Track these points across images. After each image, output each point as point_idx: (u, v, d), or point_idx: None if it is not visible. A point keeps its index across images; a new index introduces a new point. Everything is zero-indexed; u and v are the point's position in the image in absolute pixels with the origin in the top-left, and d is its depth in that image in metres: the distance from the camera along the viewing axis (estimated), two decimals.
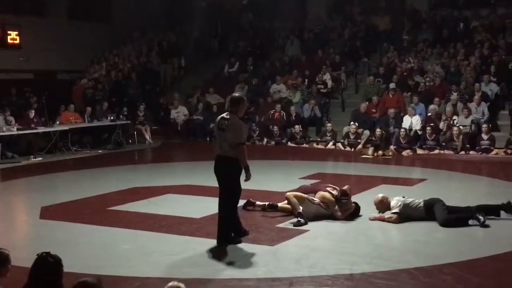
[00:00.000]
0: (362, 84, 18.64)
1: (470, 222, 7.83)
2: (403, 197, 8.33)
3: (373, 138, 15.33)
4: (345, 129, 16.10)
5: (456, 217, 7.88)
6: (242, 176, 7.09)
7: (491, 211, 8.04)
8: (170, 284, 3.46)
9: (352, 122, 15.83)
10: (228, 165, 7.03)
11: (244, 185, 7.21)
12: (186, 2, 22.49)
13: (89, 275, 4.95)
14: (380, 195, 8.49)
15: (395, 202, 8.17)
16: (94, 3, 22.24)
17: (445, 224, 7.77)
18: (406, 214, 8.09)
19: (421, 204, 8.13)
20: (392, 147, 15.15)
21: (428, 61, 18.03)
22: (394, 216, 8.09)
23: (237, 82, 19.37)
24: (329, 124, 16.32)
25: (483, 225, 7.69)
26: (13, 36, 19.16)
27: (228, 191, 7.11)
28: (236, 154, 6.99)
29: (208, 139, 17.02)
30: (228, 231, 7.18)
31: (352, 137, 15.66)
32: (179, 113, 18.68)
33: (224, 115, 7.25)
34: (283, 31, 21.72)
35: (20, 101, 18.26)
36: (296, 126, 16.57)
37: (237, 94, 8.04)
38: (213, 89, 19.31)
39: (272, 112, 17.62)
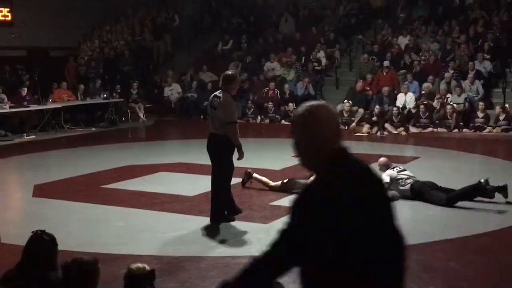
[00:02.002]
0: (356, 62, 18.57)
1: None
2: (397, 171, 8.34)
3: (368, 116, 15.36)
4: (339, 107, 16.06)
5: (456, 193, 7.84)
6: (235, 155, 7.10)
7: (476, 192, 7.73)
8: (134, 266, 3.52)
9: (346, 100, 15.82)
10: (220, 143, 6.99)
11: (238, 163, 7.21)
12: None
13: (83, 254, 4.97)
14: (384, 159, 8.65)
15: (386, 175, 8.16)
16: None
17: (450, 202, 7.71)
18: (403, 193, 8.10)
19: (408, 186, 8.08)
20: (387, 125, 15.18)
21: (422, 39, 17.95)
22: None
23: (231, 60, 19.26)
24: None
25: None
26: (4, 13, 18.94)
27: (221, 169, 7.07)
28: (227, 132, 6.96)
29: (202, 117, 16.96)
30: (222, 209, 7.20)
31: (346, 115, 15.65)
32: (173, 91, 18.60)
33: (217, 93, 7.22)
34: (277, 8, 21.54)
35: (12, 78, 18.13)
36: (290, 104, 16.53)
37: (230, 72, 7.95)
38: (206, 67, 19.21)
39: (266, 90, 17.57)
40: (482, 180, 7.64)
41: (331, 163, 2.24)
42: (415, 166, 10.63)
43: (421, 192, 7.96)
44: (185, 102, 18.34)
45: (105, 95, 17.56)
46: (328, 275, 2.10)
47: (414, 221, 7.22)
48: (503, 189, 7.72)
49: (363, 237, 2.12)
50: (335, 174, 2.21)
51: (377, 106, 15.28)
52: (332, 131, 2.31)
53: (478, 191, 7.68)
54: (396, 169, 8.41)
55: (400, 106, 15.46)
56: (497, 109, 14.60)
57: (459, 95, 15.23)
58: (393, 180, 8.17)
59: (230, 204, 7.36)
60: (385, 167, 8.46)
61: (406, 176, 8.25)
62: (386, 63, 16.91)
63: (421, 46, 17.46)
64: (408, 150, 13.11)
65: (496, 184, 7.70)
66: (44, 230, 3.72)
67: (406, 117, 15.34)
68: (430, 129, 14.87)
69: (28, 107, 15.64)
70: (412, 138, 14.38)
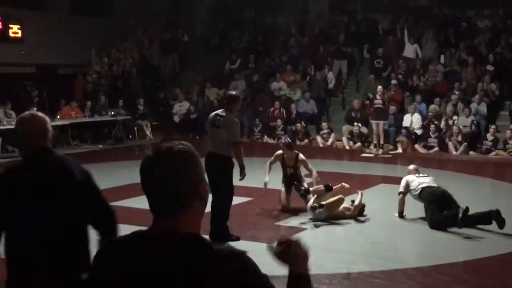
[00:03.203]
0: (363, 82, 18.63)
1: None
2: (418, 176, 8.35)
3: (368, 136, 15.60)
4: (345, 128, 16.17)
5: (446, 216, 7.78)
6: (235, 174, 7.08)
7: (482, 219, 7.52)
8: None
9: (356, 123, 15.91)
10: (221, 163, 6.94)
11: (245, 182, 7.22)
12: None
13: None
14: (412, 166, 8.81)
15: (403, 179, 8.27)
16: None
17: (433, 226, 7.68)
18: (416, 198, 8.12)
19: (418, 192, 8.05)
20: (390, 146, 15.28)
21: (429, 60, 18.00)
22: (400, 196, 8.20)
23: (234, 79, 19.35)
24: (324, 124, 16.43)
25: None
26: (15, 30, 19.14)
27: (222, 190, 6.98)
28: (230, 152, 6.97)
29: (197, 137, 16.84)
30: (224, 227, 7.12)
31: (356, 136, 15.76)
32: (182, 107, 18.69)
33: (219, 112, 7.21)
34: (285, 28, 21.69)
35: (21, 94, 18.26)
36: (298, 124, 16.58)
37: (233, 92, 8.01)
38: (210, 84, 19.29)
39: (271, 109, 17.63)
40: (493, 210, 7.44)
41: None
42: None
43: (426, 201, 7.94)
44: (190, 120, 18.40)
45: (112, 113, 17.67)
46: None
47: (420, 242, 7.21)
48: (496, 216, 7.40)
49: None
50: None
51: (375, 124, 15.51)
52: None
53: (487, 219, 7.46)
54: (419, 175, 8.39)
55: (408, 126, 15.56)
56: (508, 133, 14.51)
57: (467, 117, 15.23)
58: (409, 183, 8.18)
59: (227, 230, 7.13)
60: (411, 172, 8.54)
61: (421, 182, 8.14)
62: (393, 81, 16.98)
63: (428, 67, 17.50)
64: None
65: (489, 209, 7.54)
66: None
67: (412, 138, 15.41)
68: (436, 149, 14.94)
69: None
70: (418, 159, 14.36)
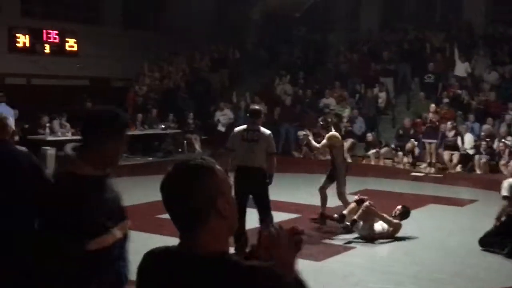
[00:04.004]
0: (413, 101, 18.38)
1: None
2: None
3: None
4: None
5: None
6: None
7: None
8: None
9: (411, 140, 15.77)
10: (263, 176, 7.13)
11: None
12: (239, 14, 22.68)
13: (133, 282, 5.03)
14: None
15: (506, 182, 7.70)
16: (149, 13, 22.67)
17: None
18: None
19: None
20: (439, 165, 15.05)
21: (481, 78, 17.66)
22: (504, 201, 7.65)
23: (287, 95, 19.35)
24: (369, 135, 16.39)
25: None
26: (71, 44, 19.74)
27: (268, 201, 7.16)
28: (264, 164, 7.09)
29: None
30: None
31: (407, 152, 15.64)
32: (224, 116, 18.80)
33: (249, 127, 7.28)
34: (335, 45, 21.64)
35: (75, 107, 18.68)
36: (349, 140, 16.52)
37: (256, 106, 8.17)
38: (259, 98, 19.35)
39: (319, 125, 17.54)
40: None
41: None
42: (472, 209, 10.40)
43: None
44: None
45: (162, 126, 17.91)
46: None
47: (471, 265, 7.03)
48: None
49: None
50: None
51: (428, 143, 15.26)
52: None
53: None
54: None
55: (460, 147, 15.27)
56: None
57: None
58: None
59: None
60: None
61: None
62: (445, 100, 16.72)
63: (481, 86, 17.14)
64: (465, 193, 12.82)
65: None
66: None
67: (465, 159, 15.10)
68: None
69: None
70: (471, 180, 14.06)
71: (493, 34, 19.23)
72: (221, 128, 18.82)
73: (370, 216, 8.03)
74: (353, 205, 8.25)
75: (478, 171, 14.65)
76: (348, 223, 7.93)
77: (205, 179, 1.81)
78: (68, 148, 2.71)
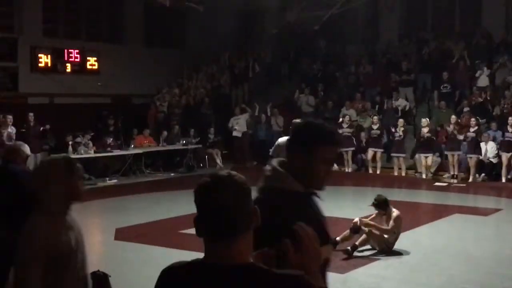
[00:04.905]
0: (434, 110, 18.27)
1: None
2: None
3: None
4: (417, 156, 15.92)
5: None
6: None
7: None
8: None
9: (433, 153, 15.73)
10: None
11: None
12: (258, 28, 22.78)
13: None
14: None
15: None
16: (169, 31, 22.85)
17: None
18: None
19: None
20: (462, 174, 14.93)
21: (503, 86, 17.49)
22: None
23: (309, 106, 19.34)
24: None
25: None
26: (92, 62, 19.98)
27: None
28: None
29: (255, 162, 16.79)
30: None
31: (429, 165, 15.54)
32: (240, 120, 18.81)
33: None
34: (355, 56, 21.62)
35: (98, 125, 18.88)
36: (378, 153, 16.49)
37: (299, 120, 8.14)
38: (278, 110, 19.36)
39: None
40: None
41: None
42: (497, 218, 10.28)
43: None
44: (256, 145, 18.53)
45: (184, 141, 18.01)
46: None
47: (498, 275, 6.94)
48: None
49: None
50: None
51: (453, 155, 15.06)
52: None
53: None
54: None
55: (481, 156, 15.10)
56: None
57: None
58: None
59: None
60: None
61: None
62: (466, 109, 16.59)
63: (503, 93, 16.97)
64: (490, 202, 12.68)
65: None
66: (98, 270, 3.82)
67: (487, 167, 14.95)
68: None
69: (111, 152, 16.22)
70: (495, 189, 13.90)
71: None
72: (237, 134, 18.83)
73: (375, 236, 7.90)
74: (347, 232, 8.14)
75: (503, 179, 14.50)
76: (349, 248, 7.79)
77: (248, 192, 1.89)
78: (276, 163, 2.59)
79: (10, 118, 14.39)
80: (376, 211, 8.09)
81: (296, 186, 2.48)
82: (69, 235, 3.06)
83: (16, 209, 4.19)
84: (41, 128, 15.18)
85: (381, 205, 8.01)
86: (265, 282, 1.77)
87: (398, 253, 7.89)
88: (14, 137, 13.94)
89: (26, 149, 5.17)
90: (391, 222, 7.88)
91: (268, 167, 2.57)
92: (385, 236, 7.89)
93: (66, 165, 3.06)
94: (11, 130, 14.08)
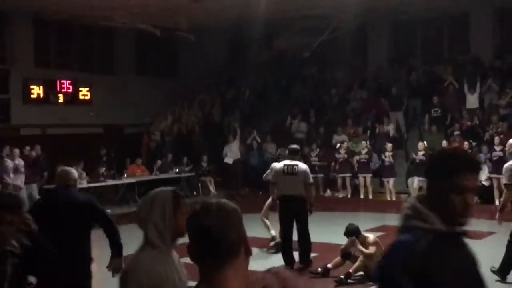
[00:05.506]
0: (425, 135, 18.38)
1: None
2: None
3: None
4: (410, 181, 15.97)
5: None
6: None
7: None
8: None
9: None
10: (303, 202, 8.64)
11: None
12: (248, 56, 23.01)
13: None
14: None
15: None
16: (160, 60, 23.01)
17: None
18: None
19: None
20: None
21: (491, 108, 17.68)
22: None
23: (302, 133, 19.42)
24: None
25: None
26: (84, 93, 20.05)
27: (306, 223, 8.66)
28: (303, 193, 8.58)
29: (260, 192, 16.80)
30: (309, 250, 8.71)
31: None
32: (232, 147, 18.84)
33: (287, 162, 8.75)
34: (345, 82, 21.81)
35: (89, 154, 18.86)
36: (367, 178, 16.56)
37: (295, 146, 9.28)
38: (270, 137, 19.45)
39: (333, 163, 17.60)
40: None
41: None
42: (491, 242, 10.29)
43: None
44: (248, 172, 18.56)
45: (177, 170, 18.02)
46: None
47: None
48: None
49: None
50: None
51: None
52: None
53: None
54: None
55: None
56: None
57: None
58: None
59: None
60: None
61: None
62: (456, 133, 16.70)
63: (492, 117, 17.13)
64: (483, 225, 12.69)
65: None
66: None
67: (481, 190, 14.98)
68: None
69: (104, 182, 16.20)
70: (488, 212, 13.92)
71: (501, 66, 19.30)
72: (228, 161, 18.88)
73: (369, 262, 7.79)
74: (338, 259, 8.15)
75: (497, 203, 14.53)
76: (342, 276, 7.75)
77: (240, 217, 1.99)
78: (413, 200, 2.35)
79: (17, 151, 14.23)
80: (348, 239, 8.09)
81: (439, 225, 2.25)
82: (173, 272, 2.93)
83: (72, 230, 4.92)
84: (35, 158, 15.12)
85: (353, 233, 8.05)
86: None
87: None
88: (22, 170, 13.85)
89: (75, 173, 5.58)
90: (371, 247, 7.90)
91: (406, 204, 2.36)
92: (375, 259, 7.87)
93: (175, 198, 2.96)
94: (18, 162, 14.00)
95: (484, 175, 15.25)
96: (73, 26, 20.05)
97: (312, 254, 9.08)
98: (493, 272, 7.64)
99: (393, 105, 19.15)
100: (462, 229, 2.33)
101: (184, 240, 2.03)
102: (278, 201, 8.89)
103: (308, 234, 8.73)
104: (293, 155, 8.89)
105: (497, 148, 15.23)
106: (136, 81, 21.51)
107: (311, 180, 8.90)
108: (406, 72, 20.81)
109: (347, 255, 8.05)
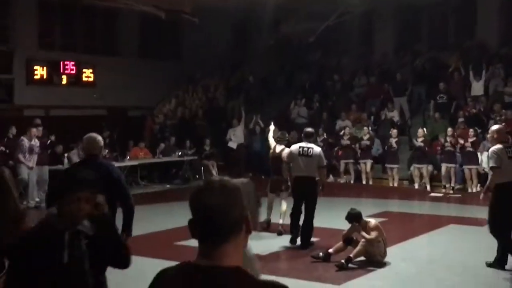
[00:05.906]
0: (429, 121, 18.30)
1: None
2: None
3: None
4: (412, 168, 15.93)
5: None
6: None
7: None
8: None
9: (427, 164, 15.69)
10: (315, 184, 8.99)
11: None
12: (253, 40, 22.88)
13: None
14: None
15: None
16: (164, 43, 22.89)
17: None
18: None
19: None
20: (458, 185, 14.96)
21: (496, 95, 17.55)
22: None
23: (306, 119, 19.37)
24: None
25: None
26: (87, 74, 20.01)
27: (315, 204, 8.91)
28: (316, 174, 8.98)
29: (263, 176, 16.79)
30: (309, 236, 8.89)
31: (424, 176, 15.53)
32: (236, 131, 18.83)
33: (303, 144, 9.11)
34: (350, 68, 21.71)
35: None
36: (368, 164, 16.53)
37: (309, 129, 9.64)
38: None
39: (336, 149, 17.56)
40: None
41: None
42: None
43: None
44: (251, 157, 18.54)
45: (179, 153, 18.00)
46: None
47: (496, 286, 6.92)
48: None
49: None
50: None
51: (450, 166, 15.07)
52: None
53: None
54: None
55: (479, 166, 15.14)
56: None
57: None
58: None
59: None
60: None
61: None
62: (460, 120, 16.63)
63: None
64: (486, 212, 12.67)
65: None
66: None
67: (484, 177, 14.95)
68: None
69: None
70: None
71: (507, 53, 19.16)
72: (232, 145, 18.87)
73: (370, 247, 7.85)
74: (340, 244, 8.12)
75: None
76: (343, 261, 7.74)
77: (240, 196, 1.99)
78: None
79: (34, 130, 14.05)
80: (350, 225, 8.07)
81: None
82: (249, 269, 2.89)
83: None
84: (48, 142, 15.04)
85: (355, 218, 8.02)
86: (250, 286, 1.86)
87: (394, 264, 7.89)
88: (37, 151, 13.79)
89: (100, 141, 5.69)
90: (372, 232, 7.87)
91: None
92: (376, 244, 7.87)
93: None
94: (34, 143, 13.94)
95: (487, 163, 15.17)
96: (77, 7, 19.96)
97: (314, 239, 9.10)
98: (489, 265, 7.56)
99: (397, 90, 19.06)
100: None
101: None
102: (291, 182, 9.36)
103: (312, 218, 8.89)
104: (308, 137, 9.28)
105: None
106: (140, 64, 21.43)
107: (325, 163, 9.33)
108: (411, 58, 20.69)
109: (349, 240, 8.03)
